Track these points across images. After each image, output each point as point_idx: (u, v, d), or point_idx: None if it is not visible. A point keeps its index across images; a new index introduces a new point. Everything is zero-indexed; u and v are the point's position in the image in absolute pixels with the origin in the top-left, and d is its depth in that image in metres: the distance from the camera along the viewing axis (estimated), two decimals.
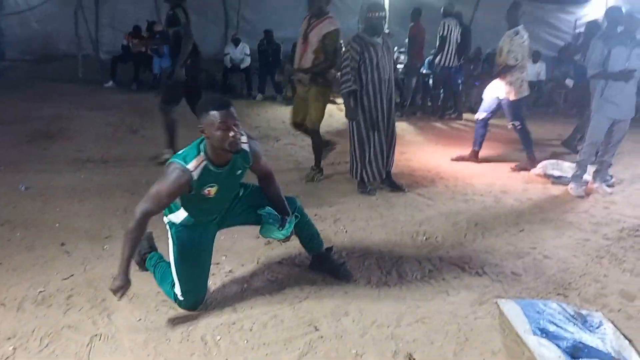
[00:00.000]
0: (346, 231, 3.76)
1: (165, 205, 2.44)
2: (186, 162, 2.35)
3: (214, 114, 2.31)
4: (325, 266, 3.04)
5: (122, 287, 2.36)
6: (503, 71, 5.26)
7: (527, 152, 5.60)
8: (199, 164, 2.37)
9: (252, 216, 2.74)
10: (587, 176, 4.95)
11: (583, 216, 4.25)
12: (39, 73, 10.94)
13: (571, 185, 4.85)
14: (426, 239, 3.69)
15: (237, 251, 3.29)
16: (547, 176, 5.20)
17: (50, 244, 3.35)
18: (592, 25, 6.85)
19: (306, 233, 2.94)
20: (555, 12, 12.64)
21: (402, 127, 7.71)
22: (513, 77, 5.26)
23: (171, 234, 2.60)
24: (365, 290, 2.91)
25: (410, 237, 3.71)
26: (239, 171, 2.57)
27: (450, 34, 7.87)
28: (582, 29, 11.98)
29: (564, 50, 9.90)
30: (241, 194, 2.75)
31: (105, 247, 3.34)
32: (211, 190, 2.44)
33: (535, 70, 9.73)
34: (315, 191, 4.65)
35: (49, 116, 7.03)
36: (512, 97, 5.32)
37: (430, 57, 8.73)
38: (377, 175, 4.56)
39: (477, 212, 4.26)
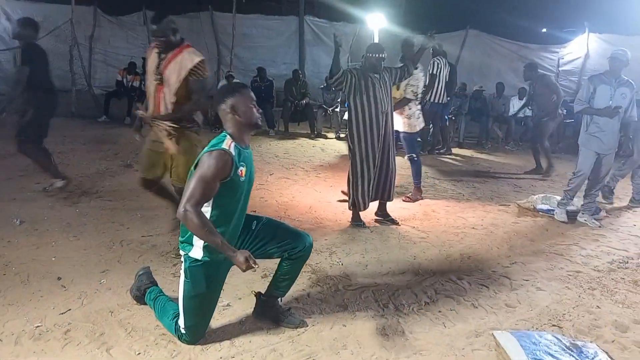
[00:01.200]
0: (342, 264, 3.79)
1: (212, 190, 2.42)
2: (220, 147, 2.44)
3: (245, 92, 2.56)
4: (272, 312, 2.88)
5: (246, 257, 2.34)
6: (400, 105, 5.34)
7: (416, 183, 5.71)
8: (231, 144, 2.47)
9: (267, 249, 2.74)
10: (603, 212, 5.29)
11: (574, 248, 4.34)
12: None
13: (556, 211, 5.13)
14: (421, 271, 3.73)
15: (234, 284, 3.31)
16: (536, 210, 5.30)
17: (46, 279, 3.33)
18: (530, 67, 7.54)
19: (290, 273, 2.84)
20: (539, 52, 13.08)
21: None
22: (410, 110, 5.42)
23: (184, 268, 2.59)
24: (363, 323, 2.93)
25: (406, 270, 3.74)
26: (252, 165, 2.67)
27: (440, 71, 8.11)
28: (564, 67, 12.51)
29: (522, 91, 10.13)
30: (254, 227, 2.75)
31: (102, 281, 3.33)
32: (243, 171, 2.51)
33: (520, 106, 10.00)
34: (311, 225, 4.69)
35: None
36: (408, 130, 5.47)
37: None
38: (367, 204, 4.62)
39: (470, 245, 4.33)
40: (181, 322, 2.59)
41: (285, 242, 2.72)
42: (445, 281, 3.56)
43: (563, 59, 12.55)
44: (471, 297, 3.32)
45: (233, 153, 2.44)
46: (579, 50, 12.34)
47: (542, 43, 13.71)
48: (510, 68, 12.90)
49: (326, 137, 9.85)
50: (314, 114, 10.13)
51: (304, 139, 9.63)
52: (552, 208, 5.23)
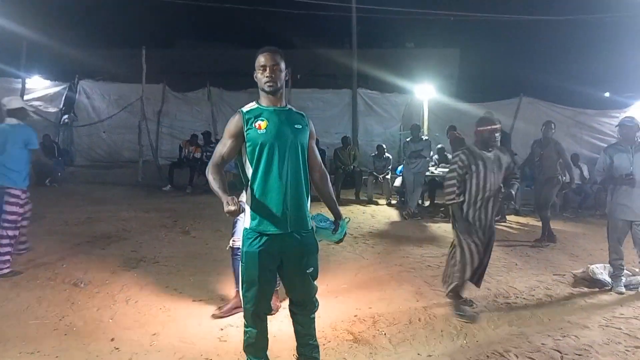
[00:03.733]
0: (384, 332, 3.77)
1: (225, 147, 2.67)
2: None
3: (258, 56, 2.67)
4: None
5: (233, 205, 2.41)
6: None
7: None
8: (250, 106, 2.73)
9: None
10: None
11: (634, 322, 4.10)
12: (102, 178, 11.88)
13: (612, 285, 4.92)
14: (466, 342, 3.64)
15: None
16: (594, 280, 5.07)
17: (101, 339, 3.54)
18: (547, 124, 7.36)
19: (299, 333, 2.97)
20: (597, 117, 12.87)
21: (445, 228, 7.79)
22: None
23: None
24: None
25: (451, 340, 3.67)
26: (298, 125, 2.73)
27: None
28: None
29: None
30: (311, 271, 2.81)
31: (152, 343, 3.50)
32: (261, 125, 2.64)
33: (576, 172, 9.76)
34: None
35: (108, 218, 7.59)
36: None
37: None
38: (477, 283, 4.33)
39: (520, 316, 4.18)
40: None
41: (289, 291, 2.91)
42: (491, 353, 3.46)
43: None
44: None
45: (244, 110, 2.69)
46: (639, 113, 12.01)
47: (601, 108, 13.49)
48: (568, 134, 12.68)
49: (377, 204, 9.93)
50: (362, 181, 10.34)
51: (355, 205, 9.76)
52: (607, 279, 5.00)
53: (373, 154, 10.81)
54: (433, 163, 10.02)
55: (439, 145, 10.67)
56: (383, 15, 15.29)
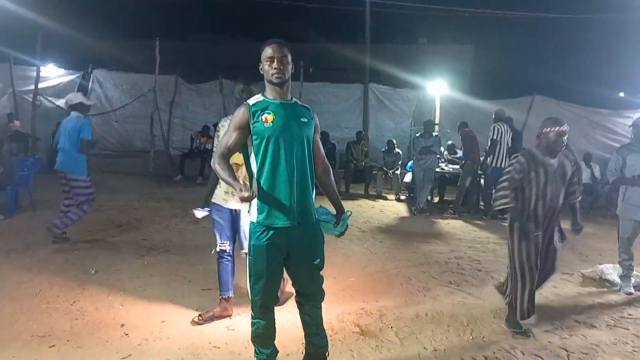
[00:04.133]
0: (391, 326, 3.80)
1: (231, 139, 2.67)
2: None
3: (265, 48, 2.65)
4: None
5: (246, 192, 2.45)
6: None
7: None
8: (256, 99, 2.72)
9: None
10: None
11: None
12: (114, 167, 11.97)
13: (621, 285, 4.89)
14: (473, 338, 3.65)
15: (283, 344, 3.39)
16: (603, 280, 5.05)
17: (112, 325, 3.60)
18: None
19: (306, 323, 2.98)
20: (611, 117, 12.75)
21: (454, 225, 7.78)
22: None
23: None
24: None
25: (458, 335, 3.69)
26: (304, 119, 2.73)
27: (501, 137, 8.13)
28: None
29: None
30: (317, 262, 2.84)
31: (162, 330, 3.55)
32: (268, 118, 2.63)
33: (587, 172, 9.74)
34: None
35: (119, 207, 7.67)
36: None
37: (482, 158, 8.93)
38: (533, 311, 3.78)
39: None
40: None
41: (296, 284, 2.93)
42: (497, 349, 3.46)
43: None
44: None
45: (250, 103, 2.68)
46: None
47: (614, 108, 13.36)
48: (581, 133, 12.59)
49: (386, 199, 9.93)
50: (372, 176, 10.36)
51: (364, 199, 9.77)
52: (616, 280, 4.98)
53: (383, 149, 10.80)
54: (443, 159, 9.99)
55: (449, 142, 10.65)
56: (396, 10, 15.20)
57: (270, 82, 2.66)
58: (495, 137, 8.15)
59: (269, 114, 2.65)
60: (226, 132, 2.73)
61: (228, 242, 3.78)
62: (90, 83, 14.65)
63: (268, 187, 2.65)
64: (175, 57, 14.93)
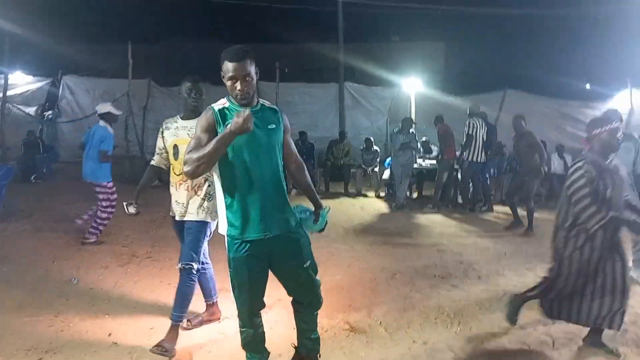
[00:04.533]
0: (379, 321, 3.83)
1: (202, 141, 2.44)
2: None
3: (226, 64, 2.48)
4: None
5: (242, 118, 2.31)
6: None
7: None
8: (222, 105, 2.58)
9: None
10: None
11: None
12: None
13: (633, 269, 4.82)
14: (461, 329, 3.71)
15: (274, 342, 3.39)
16: None
17: (99, 334, 3.54)
18: (515, 119, 7.43)
19: (301, 328, 2.97)
20: (580, 108, 13.06)
21: (433, 219, 7.88)
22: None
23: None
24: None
25: (446, 327, 3.75)
26: (272, 125, 2.59)
27: (476, 132, 8.28)
28: None
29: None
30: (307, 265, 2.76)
31: (150, 337, 3.50)
32: None
33: (560, 163, 10.05)
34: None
35: None
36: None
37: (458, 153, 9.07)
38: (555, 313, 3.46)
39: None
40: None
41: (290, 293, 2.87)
42: (485, 338, 3.53)
43: None
44: (510, 356, 3.28)
45: (215, 109, 2.54)
46: (622, 106, 12.22)
47: (583, 100, 13.69)
48: (552, 126, 12.85)
49: (366, 196, 10.01)
50: (350, 174, 10.42)
51: (345, 198, 9.82)
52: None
53: (361, 147, 10.87)
54: (420, 155, 10.10)
55: (424, 138, 10.77)
56: (369, 9, 15.31)
57: (236, 100, 2.54)
58: (470, 132, 8.29)
59: None
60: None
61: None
62: (60, 90, 14.35)
63: (237, 199, 2.54)
64: (147, 60, 14.73)
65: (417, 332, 3.67)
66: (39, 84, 14.07)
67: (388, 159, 10.17)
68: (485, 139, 8.41)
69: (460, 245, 6.30)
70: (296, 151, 2.88)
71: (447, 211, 8.63)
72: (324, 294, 4.33)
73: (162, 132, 3.51)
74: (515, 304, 3.69)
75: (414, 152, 9.15)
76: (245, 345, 2.85)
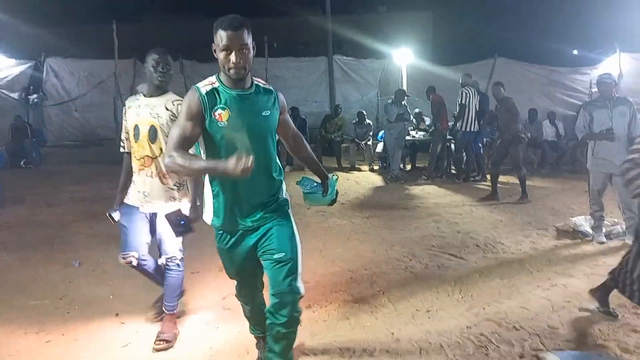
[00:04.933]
0: (382, 292, 3.90)
1: (186, 130, 2.22)
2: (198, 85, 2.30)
3: (221, 33, 2.18)
4: None
5: (235, 161, 2.00)
6: None
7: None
8: (209, 84, 2.28)
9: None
10: None
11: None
12: (79, 157, 11.65)
13: (593, 235, 5.15)
14: (462, 297, 3.79)
15: None
16: (576, 232, 5.28)
17: (106, 315, 3.57)
18: (494, 85, 7.52)
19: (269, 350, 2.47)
20: (569, 74, 13.08)
21: (428, 190, 7.95)
22: None
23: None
24: (407, 347, 3.02)
25: (447, 295, 3.82)
26: (266, 112, 2.32)
27: (469, 101, 8.29)
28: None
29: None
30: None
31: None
32: (222, 115, 2.22)
33: (552, 130, 10.10)
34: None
35: (91, 197, 7.49)
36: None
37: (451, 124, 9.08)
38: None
39: (509, 269, 4.36)
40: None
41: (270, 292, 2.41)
42: (485, 304, 3.61)
43: (595, 80, 12.48)
44: (512, 319, 3.36)
45: (202, 92, 2.24)
46: (611, 70, 12.25)
47: (572, 65, 13.71)
48: (543, 93, 12.91)
49: (360, 170, 10.04)
50: (341, 148, 10.43)
51: (338, 172, 9.80)
52: (588, 230, 5.22)
53: (354, 121, 10.84)
54: (412, 127, 10.11)
55: (417, 110, 10.75)
56: None
57: (227, 75, 2.24)
58: (463, 101, 8.30)
59: (223, 109, 2.23)
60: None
61: (135, 253, 3.14)
62: (44, 73, 14.07)
63: (223, 189, 2.34)
64: (131, 40, 14.44)
65: (419, 301, 3.73)
66: (21, 67, 13.77)
67: (381, 132, 10.17)
68: (477, 108, 8.43)
69: (456, 215, 6.37)
70: (293, 125, 2.65)
71: (441, 182, 8.70)
72: (327, 266, 4.45)
73: (125, 113, 3.13)
74: (600, 298, 3.44)
75: (406, 124, 9.15)
76: (246, 317, 2.81)
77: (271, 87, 2.41)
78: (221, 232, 2.44)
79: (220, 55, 2.21)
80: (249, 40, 2.21)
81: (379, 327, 3.32)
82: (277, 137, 2.51)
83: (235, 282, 2.63)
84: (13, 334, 3.30)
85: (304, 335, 3.10)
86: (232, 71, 2.20)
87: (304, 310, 3.46)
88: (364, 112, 10.84)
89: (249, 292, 2.65)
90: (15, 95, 13.33)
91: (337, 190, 2.80)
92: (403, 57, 12.48)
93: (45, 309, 3.72)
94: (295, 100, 12.38)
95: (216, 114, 2.22)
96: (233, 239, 2.42)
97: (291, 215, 2.49)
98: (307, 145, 2.79)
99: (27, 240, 5.40)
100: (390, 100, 9.08)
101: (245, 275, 2.56)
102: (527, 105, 11.48)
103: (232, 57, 2.18)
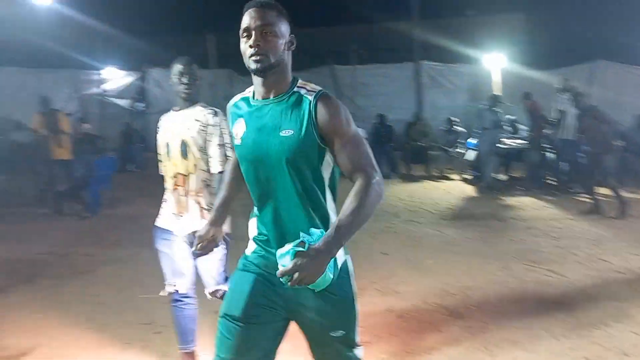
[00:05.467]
0: (476, 306, 3.82)
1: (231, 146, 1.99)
2: None
3: (243, 18, 1.67)
4: None
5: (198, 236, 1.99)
6: None
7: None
8: (243, 94, 1.82)
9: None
10: None
11: None
12: None
13: None
14: (564, 316, 3.62)
15: None
16: None
17: (212, 310, 3.79)
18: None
19: None
20: None
21: (525, 202, 7.64)
22: None
23: None
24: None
25: (547, 313, 3.67)
26: (287, 131, 1.63)
27: (568, 108, 7.87)
28: None
29: None
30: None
31: None
32: (239, 132, 1.75)
33: None
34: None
35: None
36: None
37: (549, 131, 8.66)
38: None
39: (616, 289, 4.10)
40: None
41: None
42: (592, 327, 3.42)
43: None
44: (622, 346, 3.15)
45: (232, 102, 1.84)
46: None
47: None
48: None
49: (449, 179, 9.84)
50: (429, 156, 10.26)
51: (427, 181, 9.70)
52: None
53: (442, 128, 10.66)
54: (508, 135, 9.71)
55: (512, 117, 10.34)
56: None
57: (249, 68, 1.66)
58: (562, 107, 7.89)
59: (239, 124, 1.76)
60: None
61: (182, 281, 2.86)
62: (147, 83, 15.17)
63: (258, 222, 1.81)
64: (224, 50, 15.20)
65: (517, 318, 3.62)
66: (130, 79, 14.99)
67: (473, 140, 9.87)
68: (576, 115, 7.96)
69: (554, 228, 6.06)
70: (360, 162, 1.63)
71: (538, 193, 8.29)
72: (417, 276, 4.42)
73: (157, 132, 2.85)
74: None
75: (500, 131, 8.86)
76: None
77: (312, 94, 1.65)
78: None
79: (241, 45, 1.67)
80: (278, 23, 1.65)
81: (474, 344, 3.26)
82: (332, 171, 1.73)
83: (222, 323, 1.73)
84: (127, 324, 3.62)
85: (395, 343, 3.13)
86: (252, 60, 1.62)
87: (394, 319, 3.51)
88: (453, 119, 10.61)
89: (241, 347, 1.70)
90: (124, 103, 14.56)
91: (333, 276, 1.58)
92: (494, 62, 12.09)
93: (155, 302, 3.96)
94: (381, 108, 12.42)
95: (234, 130, 1.79)
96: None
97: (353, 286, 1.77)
98: (368, 194, 1.58)
99: (137, 239, 5.85)
100: (483, 106, 8.83)
101: (254, 324, 1.70)
102: (631, 110, 10.62)
103: (252, 39, 1.62)
